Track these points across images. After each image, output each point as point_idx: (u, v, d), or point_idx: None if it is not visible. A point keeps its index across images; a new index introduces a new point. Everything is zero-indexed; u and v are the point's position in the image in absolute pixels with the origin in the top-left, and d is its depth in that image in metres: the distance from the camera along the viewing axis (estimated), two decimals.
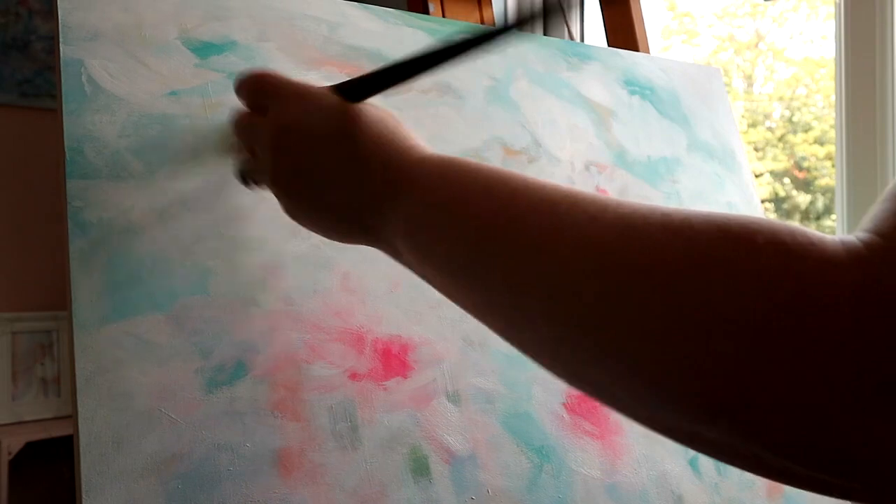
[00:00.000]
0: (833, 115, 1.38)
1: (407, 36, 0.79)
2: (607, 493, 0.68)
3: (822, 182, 1.53)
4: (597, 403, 0.72)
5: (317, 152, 0.43)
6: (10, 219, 1.64)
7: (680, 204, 0.91)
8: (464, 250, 0.37)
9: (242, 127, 0.51)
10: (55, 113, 0.60)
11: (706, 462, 0.75)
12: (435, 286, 0.42)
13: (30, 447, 1.46)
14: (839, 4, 1.32)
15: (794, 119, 1.58)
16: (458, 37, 0.42)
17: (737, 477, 0.76)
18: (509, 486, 0.64)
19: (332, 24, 0.75)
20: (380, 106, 0.46)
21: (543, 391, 0.70)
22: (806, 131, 1.56)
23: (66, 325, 1.60)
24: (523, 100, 0.84)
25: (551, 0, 0.45)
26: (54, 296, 1.63)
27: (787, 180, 1.56)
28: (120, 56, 0.62)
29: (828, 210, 1.51)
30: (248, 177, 0.54)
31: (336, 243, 0.65)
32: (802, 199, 1.55)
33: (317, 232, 0.48)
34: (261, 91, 0.49)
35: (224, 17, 0.69)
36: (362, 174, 0.42)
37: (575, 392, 0.72)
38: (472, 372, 0.67)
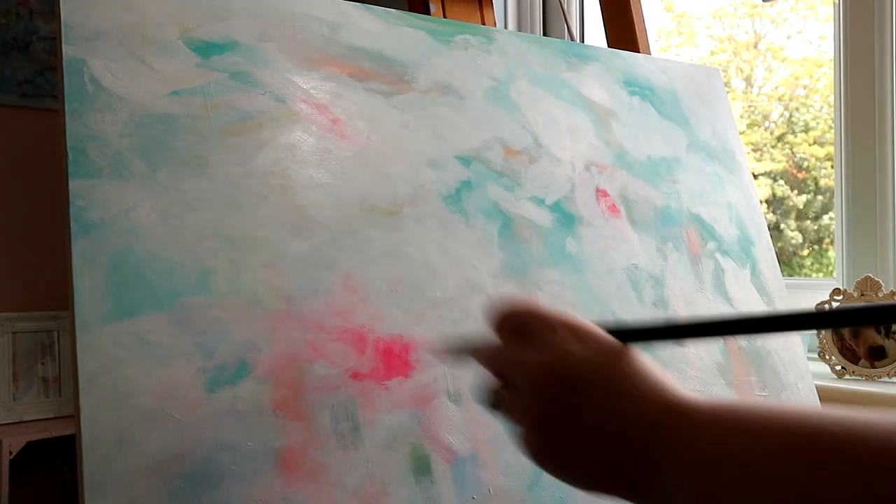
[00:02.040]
0: (832, 115, 1.38)
1: (407, 36, 0.80)
2: None
3: (822, 182, 1.53)
4: None
5: (588, 390, 0.40)
6: (11, 219, 1.64)
7: (679, 203, 0.91)
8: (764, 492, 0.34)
9: (502, 359, 0.46)
10: (56, 113, 0.60)
11: None
12: None
13: (31, 447, 1.46)
14: (838, 4, 1.33)
15: (793, 119, 1.58)
16: (755, 315, 0.40)
17: None
18: (510, 485, 0.64)
19: (332, 24, 0.75)
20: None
21: None
22: (805, 131, 1.56)
23: (66, 325, 1.60)
24: (523, 100, 0.85)
25: None
26: (55, 296, 1.63)
27: (784, 181, 1.56)
28: (122, 56, 0.62)
29: (826, 210, 1.51)
30: (496, 405, 0.48)
31: (338, 243, 0.65)
32: (801, 199, 1.55)
33: (563, 477, 0.42)
34: (527, 323, 0.45)
35: (225, 18, 0.69)
36: (633, 415, 0.39)
37: None
38: (474, 372, 0.67)
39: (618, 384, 0.40)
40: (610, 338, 0.43)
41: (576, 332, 0.42)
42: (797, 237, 1.56)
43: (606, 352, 0.42)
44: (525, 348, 0.44)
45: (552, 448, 0.41)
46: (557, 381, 0.41)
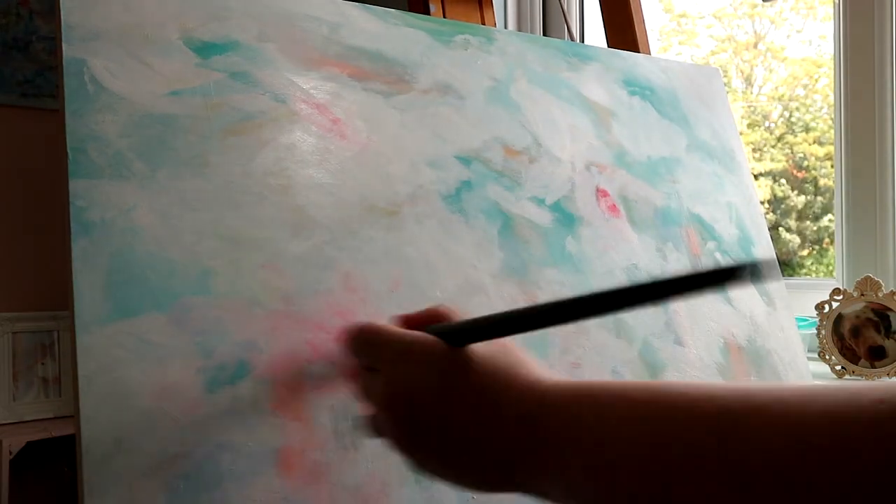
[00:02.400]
0: (832, 115, 1.38)
1: (407, 36, 0.80)
2: None
3: (821, 182, 1.53)
4: None
5: (433, 407, 0.41)
6: (11, 219, 1.64)
7: (679, 203, 0.91)
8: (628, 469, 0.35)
9: (360, 386, 0.48)
10: (56, 113, 0.60)
11: None
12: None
13: (30, 447, 1.46)
14: (838, 4, 1.33)
15: (793, 119, 1.58)
16: (587, 294, 0.38)
17: None
18: None
19: (332, 24, 0.75)
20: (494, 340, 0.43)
21: None
22: (805, 131, 1.56)
23: (66, 325, 1.60)
24: (523, 100, 0.85)
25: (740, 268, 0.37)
26: (55, 296, 1.63)
27: (784, 181, 1.56)
28: (122, 56, 0.62)
29: (826, 210, 1.51)
30: (372, 431, 0.49)
31: (338, 243, 0.65)
32: (801, 199, 1.55)
33: (456, 483, 0.43)
34: (364, 350, 0.47)
35: (225, 17, 0.69)
36: (489, 418, 0.40)
37: None
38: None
39: (458, 393, 0.40)
40: (439, 347, 0.42)
41: (403, 353, 0.42)
42: (795, 239, 1.56)
43: (436, 364, 0.42)
44: (370, 378, 0.45)
45: (430, 465, 0.42)
46: (401, 407, 0.41)
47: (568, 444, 0.37)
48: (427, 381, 0.42)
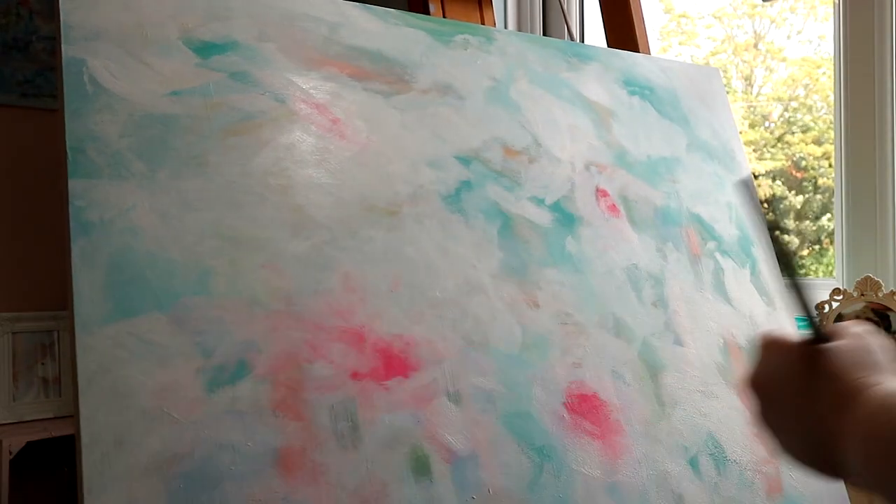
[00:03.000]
0: (831, 115, 1.38)
1: (407, 36, 0.80)
2: (608, 493, 0.68)
3: (820, 182, 1.53)
4: (597, 403, 0.73)
5: (777, 394, 0.48)
6: (11, 219, 1.64)
7: (679, 203, 0.91)
8: None
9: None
10: (56, 113, 0.60)
11: (706, 462, 0.76)
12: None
13: (30, 447, 1.46)
14: (838, 5, 1.33)
15: (793, 119, 1.58)
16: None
17: (736, 476, 0.77)
18: (510, 485, 0.64)
19: (332, 24, 0.75)
20: (857, 334, 0.49)
21: (544, 391, 0.70)
22: (804, 131, 1.56)
23: (66, 325, 1.60)
24: (523, 100, 0.85)
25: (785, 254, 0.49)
26: (55, 296, 1.63)
27: (783, 181, 1.56)
28: (121, 56, 0.62)
29: (826, 210, 1.51)
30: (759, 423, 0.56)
31: (338, 243, 0.65)
32: (800, 199, 1.55)
33: (789, 452, 0.50)
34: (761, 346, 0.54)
35: (225, 18, 0.69)
36: (822, 405, 0.46)
37: (575, 391, 0.72)
38: (473, 372, 0.67)
39: (800, 381, 0.47)
40: (795, 343, 0.49)
41: (770, 346, 0.50)
42: (792, 241, 1.56)
43: (789, 355, 0.49)
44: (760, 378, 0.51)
45: (780, 440, 0.49)
46: (760, 389, 0.49)
47: (870, 443, 0.42)
48: (777, 370, 0.49)
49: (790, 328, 0.94)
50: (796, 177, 1.57)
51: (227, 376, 0.56)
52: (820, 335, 0.49)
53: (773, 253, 0.48)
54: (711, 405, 0.79)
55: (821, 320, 0.50)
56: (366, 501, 0.57)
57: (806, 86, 1.58)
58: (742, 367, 0.85)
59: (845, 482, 0.47)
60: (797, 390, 0.47)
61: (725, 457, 0.77)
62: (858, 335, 0.49)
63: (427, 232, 0.70)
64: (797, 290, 0.49)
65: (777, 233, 0.49)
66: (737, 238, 0.95)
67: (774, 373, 0.49)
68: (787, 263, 0.49)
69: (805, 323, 0.49)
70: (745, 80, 1.67)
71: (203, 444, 0.54)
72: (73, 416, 0.52)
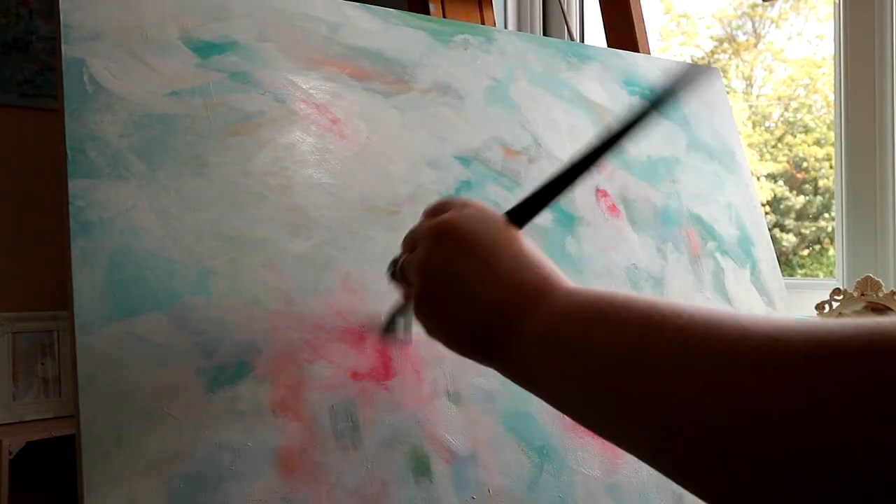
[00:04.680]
0: (832, 115, 1.38)
1: (407, 36, 0.80)
2: (608, 493, 0.68)
3: (821, 183, 1.53)
4: None
5: (475, 239, 0.45)
6: (10, 219, 1.64)
7: (679, 203, 0.91)
8: (605, 364, 0.36)
9: (413, 231, 0.52)
10: (56, 113, 0.60)
11: None
12: (554, 401, 0.42)
13: (30, 447, 1.46)
14: (838, 4, 1.33)
15: (793, 120, 1.58)
16: (600, 139, 0.45)
17: None
18: (510, 485, 0.64)
19: (332, 24, 0.75)
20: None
21: None
22: (805, 132, 1.56)
23: (66, 325, 1.60)
24: (523, 100, 0.85)
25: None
26: (54, 296, 1.63)
27: (784, 181, 1.56)
28: (121, 56, 0.62)
29: (826, 209, 1.51)
30: (396, 272, 0.53)
31: (338, 243, 0.65)
32: (801, 199, 1.55)
33: (445, 338, 0.47)
34: (441, 204, 0.51)
35: (225, 18, 0.69)
36: (511, 277, 0.43)
37: None
38: (473, 372, 0.67)
39: (498, 242, 0.45)
40: (498, 214, 0.48)
41: (476, 205, 0.48)
42: (791, 239, 1.56)
43: (496, 217, 0.47)
44: (432, 218, 0.49)
45: (436, 303, 0.45)
46: (450, 229, 0.46)
47: (547, 339, 0.40)
48: (483, 219, 0.46)
49: None
50: (797, 178, 1.57)
51: (227, 376, 0.56)
52: (524, 220, 0.47)
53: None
54: None
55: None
56: (366, 501, 0.57)
57: (806, 86, 1.58)
58: None
59: (499, 370, 0.45)
60: (486, 259, 0.44)
61: None
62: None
63: None
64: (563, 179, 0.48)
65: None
66: (737, 238, 0.95)
67: (471, 230, 0.45)
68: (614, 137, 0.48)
69: (528, 206, 0.48)
70: (746, 80, 1.66)
71: (203, 444, 0.54)
72: (73, 416, 0.52)
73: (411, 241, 0.50)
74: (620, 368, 0.35)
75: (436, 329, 0.47)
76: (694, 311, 0.34)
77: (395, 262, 0.52)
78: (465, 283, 0.44)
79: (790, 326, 0.30)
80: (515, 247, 0.45)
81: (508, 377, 0.44)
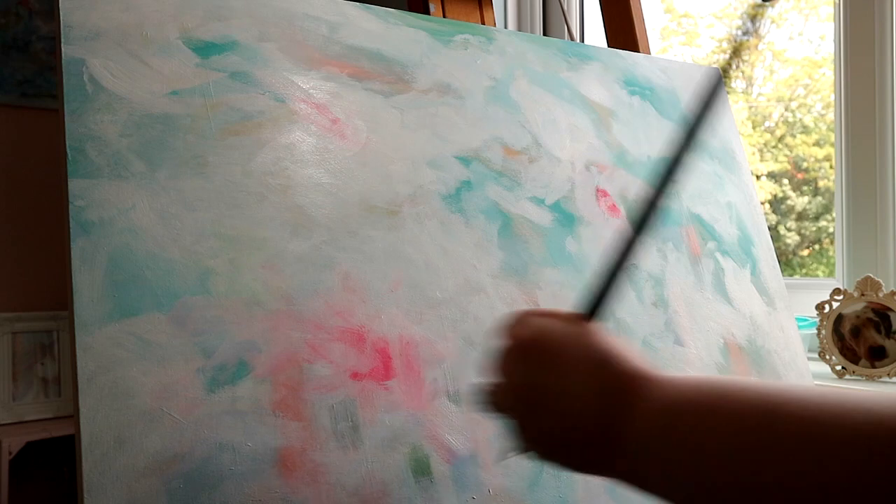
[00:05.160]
0: (832, 115, 1.38)
1: (407, 36, 0.80)
2: (608, 493, 0.68)
3: (821, 184, 1.53)
4: None
5: (559, 351, 0.44)
6: (10, 219, 1.64)
7: (679, 203, 0.91)
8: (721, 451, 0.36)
9: (497, 358, 0.50)
10: (56, 113, 0.60)
11: None
12: (672, 497, 0.40)
13: (30, 447, 1.46)
14: (838, 4, 1.33)
15: (793, 120, 1.58)
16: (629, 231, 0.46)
17: None
18: (510, 485, 0.64)
19: (332, 24, 0.75)
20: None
21: None
22: (805, 132, 1.56)
23: (66, 325, 1.60)
24: (523, 100, 0.85)
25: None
26: (54, 296, 1.63)
27: (786, 181, 1.56)
28: (121, 55, 0.62)
29: (826, 210, 1.51)
30: (488, 402, 0.50)
31: (338, 243, 0.65)
32: (801, 200, 1.55)
33: (553, 457, 0.45)
34: (512, 323, 0.50)
35: (225, 17, 0.69)
36: (598, 382, 0.42)
37: None
38: (473, 372, 0.67)
39: (586, 346, 0.43)
40: (576, 315, 0.46)
41: (546, 313, 0.47)
42: (794, 237, 1.56)
43: (573, 321, 0.45)
44: (508, 340, 0.47)
45: (535, 428, 0.44)
46: (532, 346, 0.44)
47: (663, 437, 0.38)
48: (562, 328, 0.44)
49: (790, 332, 0.94)
50: (797, 178, 1.57)
51: (227, 376, 0.56)
52: (597, 312, 0.46)
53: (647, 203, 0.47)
54: None
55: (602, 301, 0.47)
56: (366, 501, 0.57)
57: (806, 86, 1.58)
58: (742, 367, 0.85)
59: (613, 478, 0.42)
60: (571, 363, 0.42)
61: None
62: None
63: (427, 232, 0.70)
64: (620, 267, 0.46)
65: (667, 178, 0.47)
66: (737, 238, 0.95)
67: (552, 338, 0.44)
68: (643, 218, 0.46)
69: (598, 301, 0.46)
70: (746, 80, 1.66)
71: (203, 444, 0.54)
72: (73, 416, 0.52)
73: (495, 369, 0.48)
74: (749, 460, 0.35)
75: (545, 454, 0.45)
76: (801, 393, 0.35)
77: (482, 391, 0.50)
78: (556, 399, 0.43)
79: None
80: (595, 347, 0.43)
81: (626, 484, 0.42)
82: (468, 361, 0.67)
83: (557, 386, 0.42)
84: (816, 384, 0.94)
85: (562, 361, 0.43)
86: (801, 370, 0.91)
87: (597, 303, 0.46)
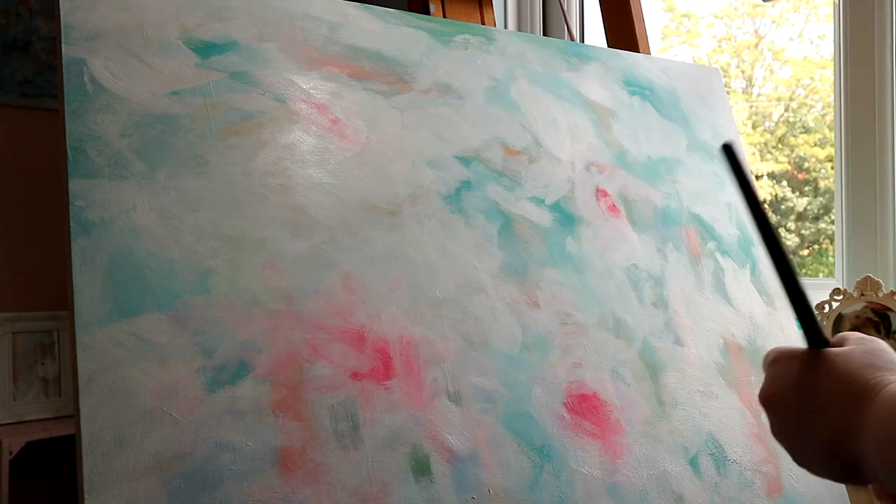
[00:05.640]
0: (832, 115, 1.38)
1: (407, 36, 0.80)
2: (608, 493, 0.68)
3: (821, 184, 1.53)
4: (597, 403, 0.73)
5: (790, 403, 0.48)
6: (11, 219, 1.64)
7: (679, 203, 0.91)
8: None
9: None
10: (56, 113, 0.60)
11: (706, 462, 0.76)
12: None
13: (31, 447, 1.46)
14: (838, 4, 1.33)
15: (793, 120, 1.58)
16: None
17: (736, 477, 0.77)
18: (510, 485, 0.64)
19: (332, 24, 0.75)
20: (864, 338, 0.49)
21: (544, 391, 0.70)
22: (806, 132, 1.56)
23: (66, 325, 1.60)
24: (523, 100, 0.85)
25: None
26: (55, 296, 1.63)
27: (786, 182, 1.56)
28: (122, 56, 0.62)
29: (826, 211, 1.51)
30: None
31: (338, 243, 0.65)
32: (801, 201, 1.55)
33: (813, 472, 0.50)
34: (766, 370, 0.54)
35: (225, 18, 0.69)
36: (833, 411, 0.45)
37: (575, 391, 0.72)
38: (473, 372, 0.67)
39: (806, 390, 0.47)
40: (798, 352, 0.49)
41: (776, 360, 0.50)
42: (794, 240, 1.56)
43: (794, 365, 0.49)
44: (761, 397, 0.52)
45: (796, 454, 0.49)
46: (769, 405, 0.50)
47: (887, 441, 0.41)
48: (785, 380, 0.49)
49: (790, 332, 0.94)
50: (798, 178, 1.57)
51: (227, 376, 0.56)
52: (823, 341, 0.48)
53: (770, 252, 0.47)
54: (711, 405, 0.79)
55: (821, 326, 0.50)
56: (366, 501, 0.57)
57: (806, 86, 1.58)
58: (742, 367, 0.85)
59: (867, 486, 0.47)
60: (805, 399, 0.47)
61: (725, 457, 0.77)
62: (863, 338, 0.49)
63: (427, 232, 0.70)
64: (801, 295, 0.48)
65: (771, 229, 0.48)
66: (737, 238, 0.95)
67: (782, 385, 0.49)
68: (786, 264, 0.48)
69: (808, 329, 0.48)
70: (747, 80, 1.66)
71: (203, 444, 0.54)
72: (73, 416, 0.52)
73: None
74: None
75: (813, 473, 0.49)
76: None
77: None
78: (808, 438, 0.47)
79: None
80: (826, 379, 0.46)
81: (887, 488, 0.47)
82: (468, 361, 0.67)
83: (807, 425, 0.47)
84: None
85: (803, 405, 0.47)
86: None
87: (810, 329, 0.48)
